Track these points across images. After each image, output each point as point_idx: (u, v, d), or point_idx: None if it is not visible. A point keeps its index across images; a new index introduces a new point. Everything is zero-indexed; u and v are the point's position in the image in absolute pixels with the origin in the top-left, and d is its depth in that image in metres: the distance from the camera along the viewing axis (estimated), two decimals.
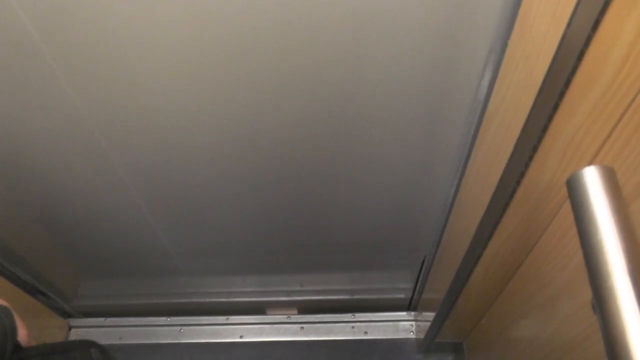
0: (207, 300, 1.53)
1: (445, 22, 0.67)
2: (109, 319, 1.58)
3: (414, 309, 1.54)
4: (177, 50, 0.72)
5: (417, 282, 1.40)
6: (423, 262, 1.30)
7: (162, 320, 1.57)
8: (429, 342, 1.38)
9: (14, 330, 0.66)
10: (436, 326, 1.26)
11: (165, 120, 0.86)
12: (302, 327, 1.54)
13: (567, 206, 0.62)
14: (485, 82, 0.71)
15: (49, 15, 0.67)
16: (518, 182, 0.70)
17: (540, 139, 0.61)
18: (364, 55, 0.73)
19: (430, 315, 1.27)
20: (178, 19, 0.68)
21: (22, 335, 0.69)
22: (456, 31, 0.68)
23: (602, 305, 0.44)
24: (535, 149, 0.63)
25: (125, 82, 0.78)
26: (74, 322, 1.58)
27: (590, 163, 0.56)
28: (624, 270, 0.43)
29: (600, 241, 0.45)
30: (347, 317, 1.55)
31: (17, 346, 0.68)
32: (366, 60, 0.73)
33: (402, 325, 1.54)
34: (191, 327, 1.56)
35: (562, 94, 0.55)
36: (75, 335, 1.56)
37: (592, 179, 0.47)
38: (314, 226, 1.21)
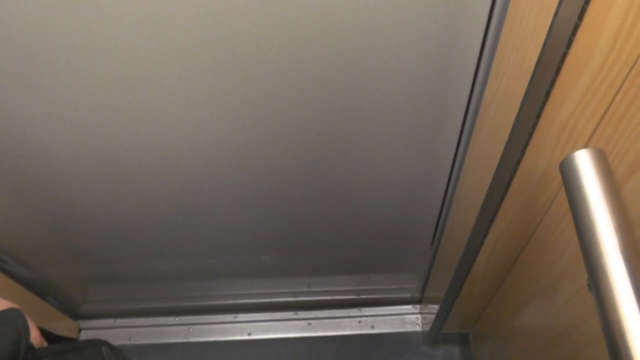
0: (215, 303, 1.55)
1: (440, 16, 0.68)
2: (118, 320, 1.60)
3: (420, 302, 1.55)
4: (180, 53, 0.74)
5: (423, 275, 1.42)
6: (428, 255, 1.31)
7: (171, 319, 1.59)
8: (435, 333, 1.39)
9: (27, 333, 0.68)
10: (442, 317, 1.27)
11: (170, 123, 0.87)
12: (309, 323, 1.56)
13: (563, 192, 0.64)
14: (480, 73, 0.73)
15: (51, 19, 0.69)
16: (515, 170, 0.71)
17: (534, 126, 0.63)
18: (362, 51, 0.74)
19: (435, 307, 1.29)
20: (182, 22, 0.69)
21: (35, 336, 0.71)
22: (451, 25, 0.69)
23: (596, 283, 0.46)
24: (530, 136, 0.64)
25: (130, 87, 0.80)
26: (83, 323, 1.60)
27: (583, 148, 0.58)
28: (616, 248, 0.45)
29: (592, 221, 0.47)
30: (354, 311, 1.57)
31: (30, 347, 0.70)
32: (364, 56, 0.75)
33: (409, 319, 1.55)
34: (200, 326, 1.58)
35: (553, 82, 0.56)
36: (85, 336, 1.58)
37: (584, 162, 0.49)
38: (320, 228, 1.23)
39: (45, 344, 0.76)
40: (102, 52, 0.74)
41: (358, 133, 0.91)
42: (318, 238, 1.28)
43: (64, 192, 1.07)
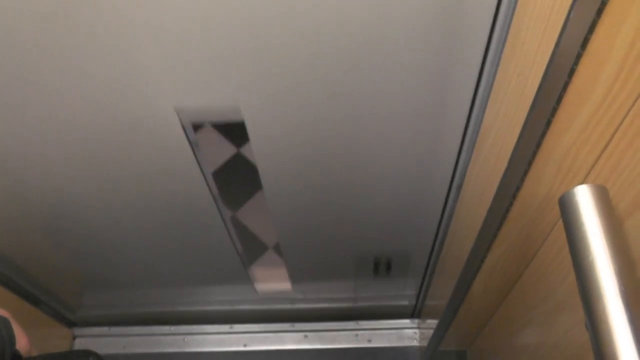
0: (211, 308, 1.53)
1: (439, 37, 0.66)
2: (113, 328, 1.58)
3: (418, 316, 1.53)
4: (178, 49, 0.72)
5: (420, 290, 1.40)
6: (425, 270, 1.29)
7: (166, 329, 1.57)
8: (432, 350, 1.37)
9: (12, 341, 0.67)
10: (439, 334, 1.25)
11: (168, 127, 0.86)
12: (305, 336, 1.54)
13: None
14: (480, 97, 0.70)
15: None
16: (514, 197, 0.69)
17: (534, 154, 0.61)
18: (365, 69, 0.73)
19: (433, 322, 1.27)
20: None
21: (23, 343, 0.69)
22: (450, 48, 0.68)
23: (594, 327, 0.44)
24: (529, 164, 0.62)
25: (127, 94, 0.78)
26: (78, 331, 1.58)
27: (585, 178, 0.56)
28: (616, 292, 0.43)
29: (592, 262, 0.44)
30: (351, 325, 1.54)
31: (17, 356, 0.69)
32: (364, 80, 0.74)
33: (406, 333, 1.53)
34: (195, 336, 1.56)
35: (554, 111, 0.54)
36: (79, 344, 1.56)
37: (584, 198, 0.47)
38: (318, 233, 1.21)
39: (35, 352, 0.75)
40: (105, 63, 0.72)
41: (361, 145, 0.89)
42: (319, 247, 1.27)
43: (58, 199, 1.06)
